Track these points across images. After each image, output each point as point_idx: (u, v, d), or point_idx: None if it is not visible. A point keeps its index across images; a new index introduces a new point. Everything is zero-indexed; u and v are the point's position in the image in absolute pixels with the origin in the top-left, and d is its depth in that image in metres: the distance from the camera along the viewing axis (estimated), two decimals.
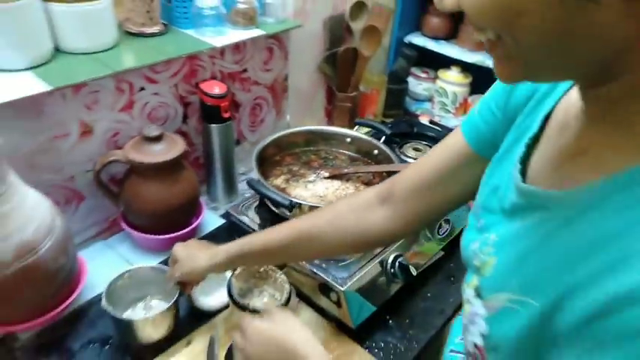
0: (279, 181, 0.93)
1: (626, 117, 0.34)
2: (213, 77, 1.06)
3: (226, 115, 1.01)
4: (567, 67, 0.34)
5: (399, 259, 0.83)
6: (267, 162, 0.97)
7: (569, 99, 0.42)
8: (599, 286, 0.31)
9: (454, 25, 1.52)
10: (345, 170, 0.95)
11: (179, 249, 0.76)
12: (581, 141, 0.38)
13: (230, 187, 1.12)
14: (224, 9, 1.02)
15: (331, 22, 1.29)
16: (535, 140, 0.45)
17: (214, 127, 1.01)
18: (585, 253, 0.33)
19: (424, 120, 1.44)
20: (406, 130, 1.26)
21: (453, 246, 0.94)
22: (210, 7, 0.99)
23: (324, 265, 0.80)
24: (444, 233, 0.90)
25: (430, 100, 1.61)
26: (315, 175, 0.95)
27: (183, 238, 0.95)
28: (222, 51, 1.05)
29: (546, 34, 0.31)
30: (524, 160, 0.44)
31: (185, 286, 0.77)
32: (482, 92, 1.62)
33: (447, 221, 0.90)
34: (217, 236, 1.02)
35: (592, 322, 0.31)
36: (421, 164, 0.60)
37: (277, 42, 1.17)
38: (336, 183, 0.94)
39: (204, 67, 1.04)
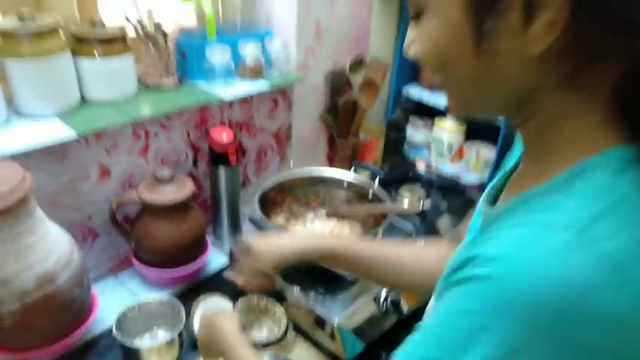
0: (279, 219, 1.01)
1: (538, 148, 0.41)
2: (222, 125, 1.16)
3: (233, 160, 1.09)
4: (491, 106, 0.41)
5: (391, 296, 0.87)
6: (269, 203, 1.04)
7: None
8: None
9: None
10: (342, 210, 1.03)
11: (254, 240, 0.74)
12: (521, 168, 0.45)
13: (235, 227, 1.18)
14: (233, 64, 1.13)
15: (332, 75, 1.39)
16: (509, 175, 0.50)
17: (222, 171, 1.09)
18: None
19: (420, 165, 1.52)
20: (402, 174, 1.34)
21: None
22: (220, 62, 1.10)
23: (319, 299, 0.86)
24: None
25: (428, 147, 1.70)
26: (313, 215, 1.02)
27: (190, 275, 1.02)
28: (230, 102, 1.15)
29: (468, 78, 0.39)
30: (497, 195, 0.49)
31: (251, 284, 0.77)
32: (477, 139, 1.71)
33: None
34: (222, 274, 1.08)
35: (446, 279, 0.38)
36: None
37: (282, 93, 1.27)
38: (333, 222, 1.01)
39: (213, 116, 1.13)
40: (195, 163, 1.14)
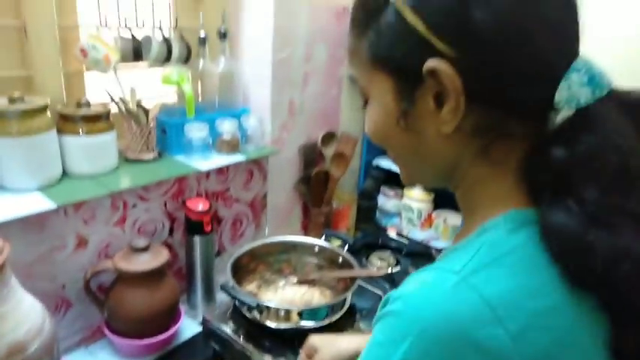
0: (251, 286, 1.04)
1: (466, 209, 0.48)
2: (199, 195, 1.21)
3: (208, 229, 1.13)
4: (427, 175, 0.49)
5: None
6: (242, 270, 1.07)
7: None
8: None
9: None
10: (312, 276, 1.07)
11: (316, 338, 0.80)
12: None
13: (209, 295, 1.20)
14: (210, 139, 1.20)
15: (305, 148, 1.48)
16: None
17: (197, 239, 1.13)
18: None
19: (391, 232, 1.58)
20: (373, 240, 1.40)
21: None
22: (198, 138, 1.17)
23: None
24: None
25: (399, 214, 1.77)
26: (284, 281, 1.06)
27: (163, 343, 1.02)
28: (207, 173, 1.21)
29: (405, 152, 0.47)
30: None
31: None
32: (445, 207, 1.80)
33: None
34: (195, 342, 1.09)
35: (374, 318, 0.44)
36: None
37: (257, 165, 1.34)
38: (304, 288, 1.05)
39: (191, 187, 1.19)
40: (171, 232, 1.18)
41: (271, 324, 0.94)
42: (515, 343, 0.36)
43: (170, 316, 1.06)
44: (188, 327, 1.12)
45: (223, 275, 1.34)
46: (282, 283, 1.06)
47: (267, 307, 0.91)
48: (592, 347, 0.39)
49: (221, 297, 1.24)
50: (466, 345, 0.36)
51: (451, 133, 0.42)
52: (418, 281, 0.40)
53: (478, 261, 0.39)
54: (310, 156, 1.51)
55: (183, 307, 1.17)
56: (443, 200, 1.69)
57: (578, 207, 0.38)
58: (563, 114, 0.39)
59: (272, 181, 1.41)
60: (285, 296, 1.02)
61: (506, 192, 0.43)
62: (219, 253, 1.32)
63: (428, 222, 1.70)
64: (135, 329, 1.01)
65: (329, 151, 1.53)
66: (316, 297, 1.03)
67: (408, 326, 0.38)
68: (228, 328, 1.00)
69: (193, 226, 1.13)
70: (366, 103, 0.49)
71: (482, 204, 0.45)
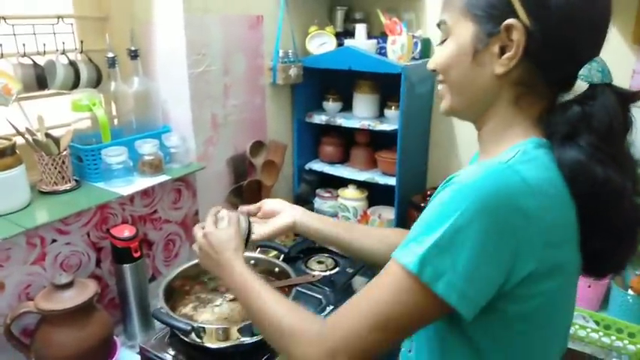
0: (187, 309, 1.02)
1: (491, 142, 0.65)
2: (125, 222, 1.17)
3: (137, 255, 1.10)
4: (469, 106, 0.65)
5: None
6: (176, 293, 1.05)
7: None
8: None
9: (346, 150, 1.76)
10: None
11: (273, 202, 0.96)
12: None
13: (146, 323, 1.17)
14: (131, 162, 1.17)
15: (234, 160, 1.47)
16: None
17: (126, 268, 1.10)
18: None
19: None
20: (309, 244, 1.40)
21: None
22: (118, 161, 1.13)
23: None
24: None
25: (336, 215, 1.79)
26: (221, 299, 1.04)
27: None
28: (131, 197, 1.18)
29: (460, 81, 0.63)
30: None
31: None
32: (378, 204, 1.87)
33: None
34: None
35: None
36: None
37: (184, 183, 1.32)
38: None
39: (114, 214, 1.15)
40: (98, 263, 1.14)
41: (211, 345, 0.92)
42: (540, 212, 0.54)
43: (104, 351, 1.01)
44: (126, 357, 1.08)
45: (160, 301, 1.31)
46: (218, 301, 1.04)
47: (204, 329, 0.89)
48: (575, 234, 0.59)
49: (160, 323, 1.21)
50: (511, 209, 0.53)
51: (500, 75, 0.59)
52: (473, 168, 0.56)
53: (516, 159, 0.56)
54: (240, 167, 1.50)
55: (119, 339, 1.13)
56: (376, 197, 1.73)
57: (584, 146, 0.56)
58: (579, 85, 0.59)
59: (202, 197, 1.39)
60: (222, 314, 1.01)
61: (526, 130, 0.62)
62: (154, 278, 1.29)
63: (364, 218, 1.74)
64: None
65: (259, 161, 1.52)
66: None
67: (466, 194, 0.53)
68: (168, 355, 0.98)
69: (121, 254, 1.09)
70: (443, 41, 0.64)
71: (507, 137, 0.62)
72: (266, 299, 0.70)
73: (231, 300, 1.04)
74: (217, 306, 1.02)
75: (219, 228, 0.84)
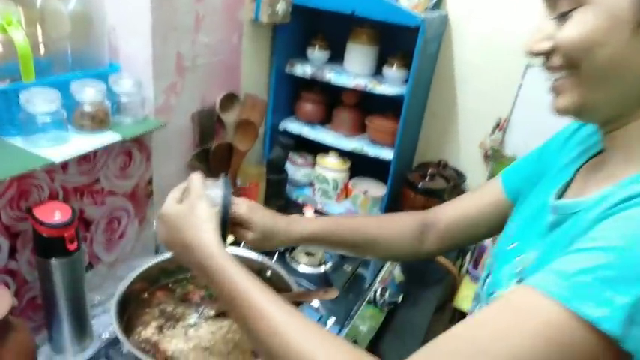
0: (149, 332, 0.72)
1: (629, 147, 0.49)
2: (54, 197, 0.84)
3: (72, 247, 0.78)
4: (614, 103, 0.48)
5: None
6: (132, 303, 0.76)
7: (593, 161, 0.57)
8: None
9: (328, 110, 1.48)
10: None
11: (246, 207, 0.69)
12: (602, 170, 0.52)
13: (81, 331, 0.87)
14: (65, 112, 0.82)
15: (200, 116, 1.14)
16: (566, 186, 0.58)
17: (55, 264, 0.78)
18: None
19: (309, 212, 1.35)
20: None
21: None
22: (44, 112, 0.78)
23: None
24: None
25: (311, 185, 1.54)
26: (197, 315, 0.77)
27: None
28: (64, 165, 0.84)
29: (609, 63, 0.45)
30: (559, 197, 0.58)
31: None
32: (362, 176, 1.63)
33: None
34: None
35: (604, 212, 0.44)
36: (463, 205, 0.77)
37: (137, 144, 0.99)
38: (226, 322, 0.76)
39: (39, 187, 0.81)
40: (13, 253, 0.81)
41: None
42: None
43: None
44: None
45: (99, 293, 1.01)
46: (192, 318, 0.76)
47: None
48: None
49: (100, 324, 0.92)
50: None
51: None
52: None
53: None
54: (207, 125, 1.17)
55: (44, 353, 0.84)
56: (360, 168, 1.49)
57: None
58: None
59: (158, 161, 1.06)
60: (200, 340, 0.72)
61: None
62: (90, 266, 0.97)
63: (345, 193, 1.50)
64: None
65: (229, 118, 1.21)
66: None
67: None
68: None
69: (48, 246, 0.77)
70: (565, 14, 0.47)
71: None
72: (283, 319, 0.49)
73: (210, 317, 0.77)
74: (192, 326, 0.75)
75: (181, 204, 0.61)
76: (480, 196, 0.76)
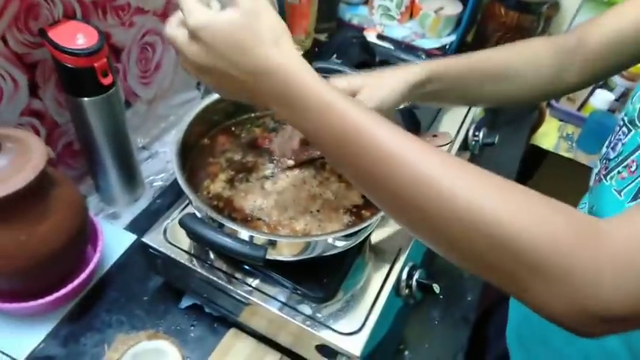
0: (218, 186, 0.58)
1: None
2: (69, 14, 0.63)
3: (107, 82, 0.61)
4: None
5: (418, 279, 0.58)
6: (191, 153, 0.61)
7: None
8: None
9: None
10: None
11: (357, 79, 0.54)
12: None
13: (129, 177, 0.75)
14: None
15: None
16: None
17: (88, 103, 0.62)
18: None
19: (371, 35, 1.12)
20: (365, 58, 0.92)
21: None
22: None
23: (319, 317, 0.53)
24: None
25: (367, 2, 1.27)
26: (272, 166, 0.62)
27: (80, 284, 0.62)
28: None
29: None
30: None
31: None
32: None
33: None
34: (131, 264, 0.69)
35: None
36: (617, 18, 0.58)
37: None
38: (310, 173, 0.61)
39: (49, 0, 0.60)
40: (34, 90, 0.64)
41: (284, 258, 0.53)
42: None
43: (79, 244, 0.62)
44: (112, 237, 0.70)
45: (141, 135, 0.87)
46: (268, 169, 0.61)
47: (274, 242, 0.49)
48: None
49: (148, 169, 0.81)
50: None
51: None
52: None
53: None
54: None
55: (93, 206, 0.74)
56: None
57: None
58: None
59: None
60: (283, 196, 0.57)
61: None
62: (128, 105, 0.81)
63: (410, 12, 1.24)
64: (21, 286, 0.57)
65: None
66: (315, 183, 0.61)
67: None
68: (181, 253, 0.58)
69: (76, 79, 0.60)
70: None
71: None
72: (436, 162, 0.34)
73: (288, 167, 0.62)
74: (269, 178, 0.60)
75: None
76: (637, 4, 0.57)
